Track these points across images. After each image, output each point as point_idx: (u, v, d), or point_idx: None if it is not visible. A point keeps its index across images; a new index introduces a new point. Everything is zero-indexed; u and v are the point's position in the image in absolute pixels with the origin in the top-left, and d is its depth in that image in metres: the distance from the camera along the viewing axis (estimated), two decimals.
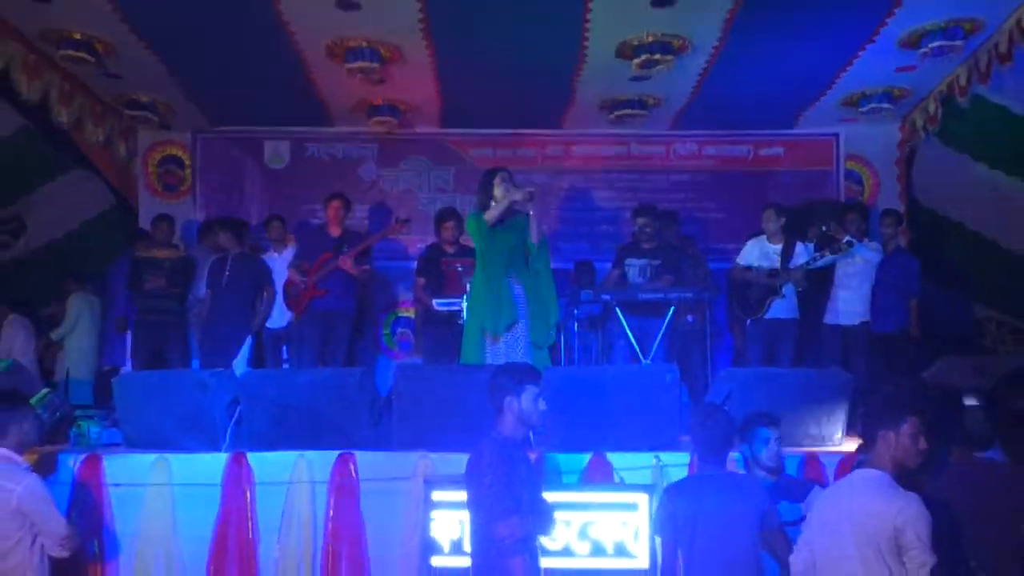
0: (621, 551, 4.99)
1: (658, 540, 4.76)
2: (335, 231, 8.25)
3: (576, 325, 7.98)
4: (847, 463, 4.89)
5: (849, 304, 8.16)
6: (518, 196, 6.62)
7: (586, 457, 5.27)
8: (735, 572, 4.36)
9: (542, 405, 4.32)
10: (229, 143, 10.16)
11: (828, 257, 7.96)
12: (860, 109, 9.14)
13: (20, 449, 4.72)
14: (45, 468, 5.09)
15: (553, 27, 7.39)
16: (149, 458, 5.35)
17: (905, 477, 3.91)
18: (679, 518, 4.47)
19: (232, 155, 10.18)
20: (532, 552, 4.23)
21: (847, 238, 7.91)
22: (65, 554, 4.67)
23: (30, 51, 7.58)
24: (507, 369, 4.51)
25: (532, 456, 4.77)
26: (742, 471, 4.80)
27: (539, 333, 6.66)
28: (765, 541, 4.33)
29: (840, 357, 7.97)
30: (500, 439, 4.26)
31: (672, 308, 7.49)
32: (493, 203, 6.66)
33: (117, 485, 5.28)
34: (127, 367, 8.68)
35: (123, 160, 9.79)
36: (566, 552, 4.99)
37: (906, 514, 3.68)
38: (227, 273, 8.28)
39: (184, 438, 5.55)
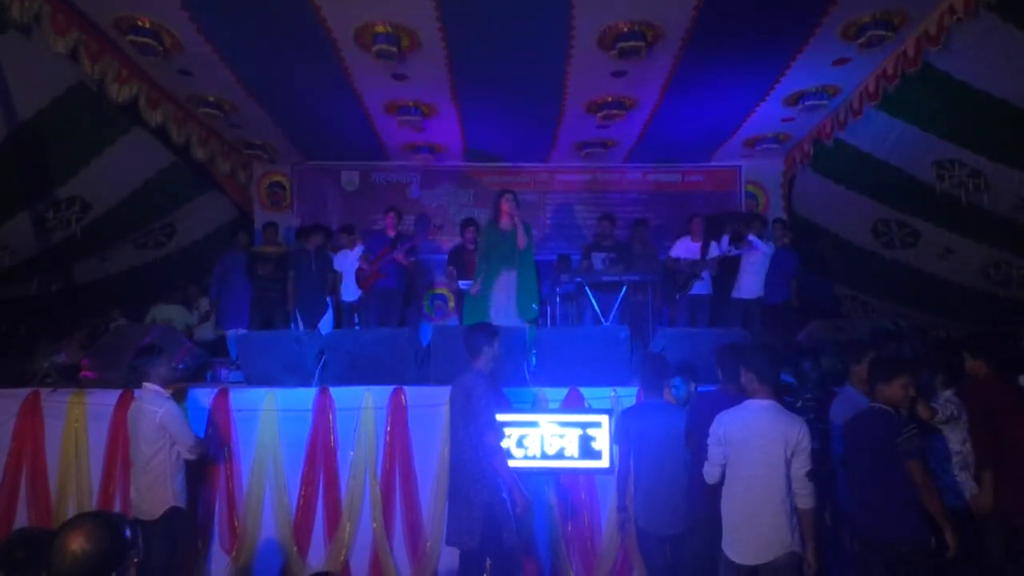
0: (590, 454, 5.06)
1: (615, 448, 4.78)
2: (391, 233, 8.24)
3: (558, 299, 7.96)
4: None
5: (749, 284, 8.17)
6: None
7: (565, 391, 5.29)
8: (666, 469, 4.39)
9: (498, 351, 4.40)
10: (317, 171, 10.10)
11: (736, 251, 7.99)
12: (756, 148, 9.12)
13: (162, 384, 4.75)
14: (180, 397, 5.09)
15: (542, 92, 7.36)
16: (262, 392, 5.37)
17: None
18: (630, 432, 4.50)
19: (319, 180, 10.12)
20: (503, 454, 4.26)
21: (750, 237, 7.95)
22: (193, 457, 4.69)
23: (178, 108, 7.57)
24: (483, 327, 4.54)
25: None
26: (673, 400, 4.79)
27: (524, 309, 6.67)
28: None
29: (741, 322, 7.98)
30: (481, 373, 4.28)
31: (624, 287, 7.50)
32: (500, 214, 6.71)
33: (240, 410, 5.31)
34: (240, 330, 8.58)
35: (243, 184, 9.75)
36: (557, 455, 5.06)
37: (803, 430, 3.69)
38: (312, 263, 8.30)
39: (286, 377, 5.56)
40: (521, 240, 6.68)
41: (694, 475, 4.17)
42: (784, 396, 4.40)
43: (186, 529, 4.74)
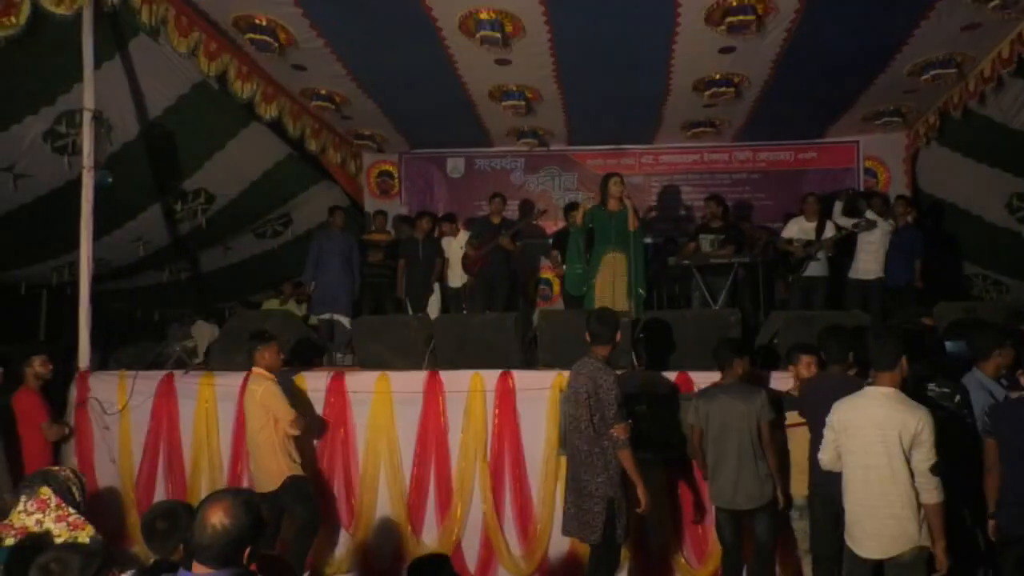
0: None
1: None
2: (496, 220, 8.30)
3: (667, 281, 7.82)
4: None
5: (868, 264, 7.75)
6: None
7: (675, 374, 5.19)
8: (732, 449, 4.33)
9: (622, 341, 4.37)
10: (423, 160, 10.27)
11: (853, 231, 7.64)
12: (875, 122, 8.64)
13: (267, 368, 4.96)
14: (283, 379, 5.21)
15: (647, 70, 7.21)
16: (375, 374, 5.50)
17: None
18: (700, 412, 4.44)
19: (426, 168, 10.30)
20: (631, 448, 4.12)
21: (866, 218, 7.56)
22: (296, 432, 4.88)
23: (293, 102, 7.85)
24: (609, 314, 4.42)
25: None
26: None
27: (633, 293, 6.55)
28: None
29: (860, 304, 7.60)
30: (607, 361, 4.21)
31: (734, 269, 7.28)
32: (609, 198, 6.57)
33: (355, 392, 5.45)
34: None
35: (353, 174, 10.00)
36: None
37: (923, 420, 3.49)
38: (420, 250, 8.44)
39: (398, 361, 5.68)
40: (633, 222, 6.55)
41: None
42: (926, 383, 4.16)
43: (309, 493, 4.96)
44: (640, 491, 4.10)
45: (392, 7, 5.95)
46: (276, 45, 6.41)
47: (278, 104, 7.53)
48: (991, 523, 3.70)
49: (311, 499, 4.94)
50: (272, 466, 4.81)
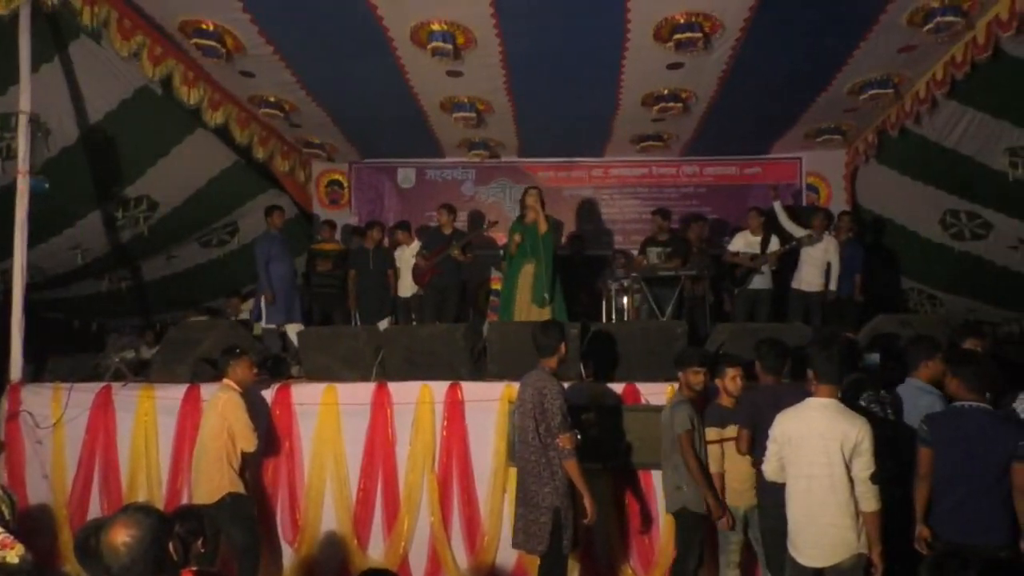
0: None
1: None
2: (447, 230, 8.27)
3: (614, 293, 7.88)
4: None
5: (810, 277, 7.96)
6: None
7: (622, 385, 5.23)
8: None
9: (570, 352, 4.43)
10: (374, 170, 10.20)
11: (797, 246, 7.86)
12: (817, 139, 8.87)
13: (239, 383, 4.87)
14: (251, 394, 5.13)
15: (597, 84, 7.29)
16: (322, 386, 5.43)
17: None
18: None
19: (376, 178, 10.23)
20: (578, 458, 4.13)
21: (808, 233, 7.78)
22: (250, 449, 4.76)
23: (240, 109, 7.72)
24: (556, 325, 4.47)
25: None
26: None
27: (538, 297, 6.74)
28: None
29: (802, 316, 7.79)
30: (554, 373, 4.23)
31: (681, 282, 7.39)
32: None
33: (301, 404, 5.38)
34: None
35: (302, 183, 9.89)
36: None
37: (863, 430, 3.57)
38: (371, 260, 8.37)
39: (345, 372, 5.62)
40: (542, 226, 6.72)
41: None
42: (859, 391, 4.26)
43: (249, 514, 4.81)
44: (586, 501, 4.12)
45: (343, 16, 5.91)
46: (223, 51, 6.31)
47: (225, 111, 7.40)
48: (919, 530, 3.78)
49: (250, 520, 4.79)
50: (215, 477, 4.67)
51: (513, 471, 4.81)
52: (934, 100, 6.85)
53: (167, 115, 7.11)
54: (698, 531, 4.40)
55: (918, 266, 9.27)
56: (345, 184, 10.19)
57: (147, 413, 5.43)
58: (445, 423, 5.21)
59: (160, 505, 5.01)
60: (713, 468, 4.47)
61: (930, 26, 5.78)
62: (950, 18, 5.64)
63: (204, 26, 6.08)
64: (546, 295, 6.72)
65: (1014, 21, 5.34)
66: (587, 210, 10.01)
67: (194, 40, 6.20)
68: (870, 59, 6.61)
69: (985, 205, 7.86)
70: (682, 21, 5.91)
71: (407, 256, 8.45)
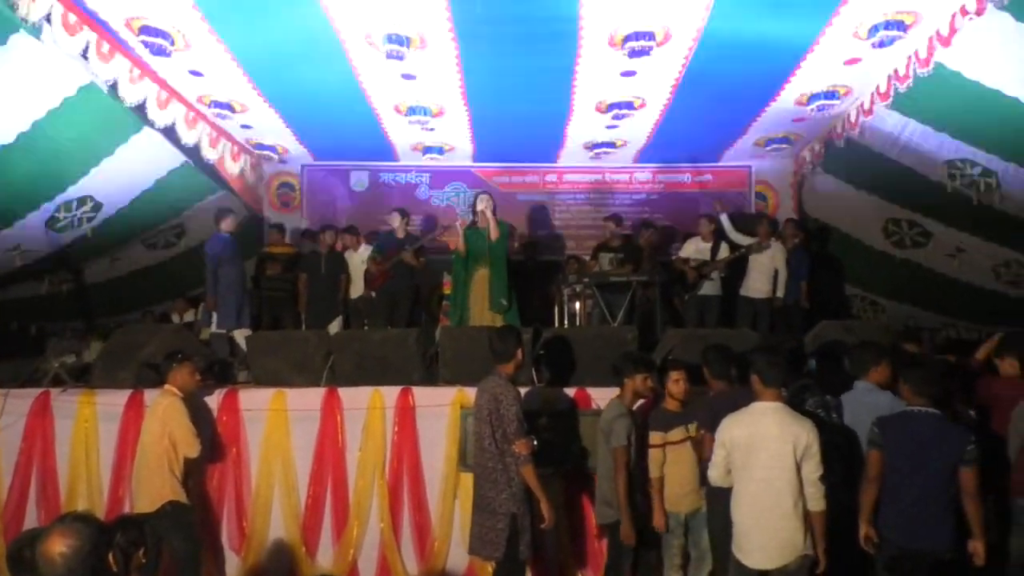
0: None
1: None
2: (400, 234, 8.22)
3: (566, 298, 7.91)
4: None
5: (758, 283, 8.11)
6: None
7: (574, 390, 5.25)
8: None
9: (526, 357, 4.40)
10: (326, 172, 10.11)
11: (745, 253, 7.99)
12: (766, 148, 9.04)
13: (182, 389, 4.76)
14: (195, 400, 5.04)
15: (552, 91, 7.31)
16: (271, 391, 5.36)
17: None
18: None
19: (328, 181, 10.14)
20: (534, 463, 4.13)
21: (756, 240, 7.93)
22: (193, 455, 4.65)
23: (189, 108, 7.56)
24: (512, 331, 4.44)
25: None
26: None
27: (494, 303, 6.77)
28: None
29: (750, 322, 7.92)
30: (509, 379, 4.22)
31: (633, 288, 7.45)
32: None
33: (249, 410, 5.29)
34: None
35: (252, 185, 9.72)
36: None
37: (811, 433, 3.63)
38: (323, 264, 8.27)
39: (295, 377, 5.54)
40: (493, 232, 6.72)
41: None
42: (804, 396, 4.34)
43: (190, 523, 4.69)
44: (544, 506, 4.12)
45: (296, 16, 5.82)
46: (172, 49, 6.16)
47: (173, 110, 7.23)
48: (865, 531, 3.85)
49: (191, 530, 4.67)
50: (156, 484, 4.56)
51: (464, 476, 4.80)
52: (878, 112, 7.05)
53: (112, 114, 6.90)
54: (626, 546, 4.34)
55: (861, 273, 9.51)
56: (297, 187, 10.07)
57: (88, 419, 5.28)
58: (396, 428, 5.18)
59: (101, 515, 4.88)
60: (654, 472, 4.46)
61: (874, 39, 5.94)
62: (892, 32, 5.81)
63: (152, 24, 5.93)
64: (504, 301, 6.73)
65: (953, 36, 5.52)
66: (540, 215, 10.05)
67: (141, 37, 6.05)
68: (817, 71, 6.77)
69: (925, 214, 8.10)
70: (635, 29, 5.97)
71: (356, 261, 8.38)
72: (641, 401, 4.59)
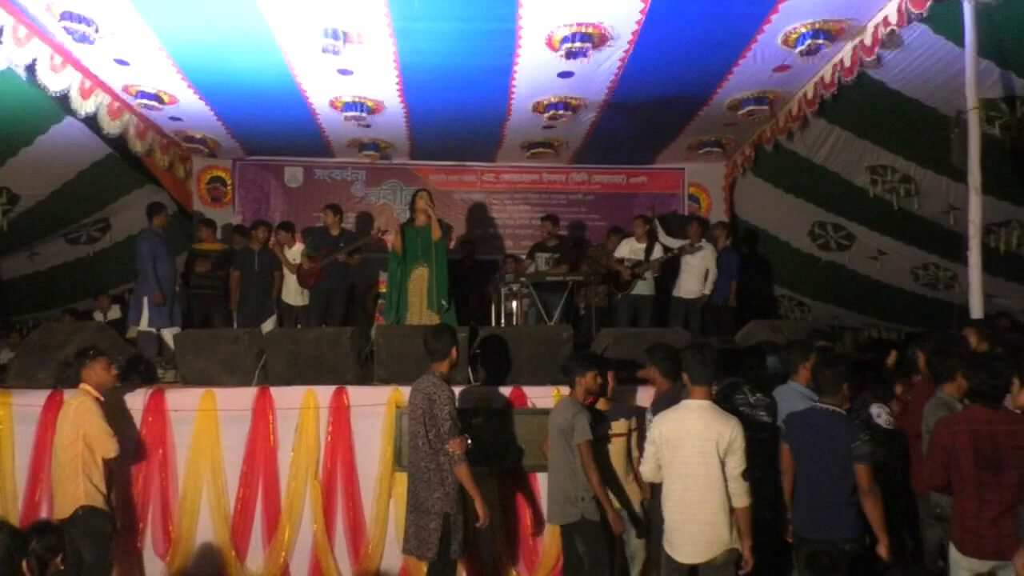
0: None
1: None
2: (334, 232, 8.11)
3: (503, 298, 7.92)
4: None
5: (690, 284, 8.28)
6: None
7: (510, 389, 5.25)
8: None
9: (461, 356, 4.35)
10: (259, 168, 9.89)
11: (678, 254, 8.13)
12: (699, 151, 9.22)
13: (97, 388, 4.59)
14: (112, 398, 4.87)
15: (490, 90, 7.30)
16: (200, 391, 5.21)
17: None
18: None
19: (261, 176, 9.93)
20: (469, 463, 4.12)
21: (688, 242, 8.08)
22: (110, 456, 4.48)
23: (114, 98, 7.27)
24: (447, 329, 4.39)
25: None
26: None
27: (434, 303, 6.77)
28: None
29: (682, 322, 8.07)
30: (444, 378, 4.20)
31: (568, 287, 7.51)
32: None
33: (176, 411, 5.13)
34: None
35: (182, 179, 9.44)
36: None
37: (735, 429, 3.72)
38: (256, 261, 8.09)
39: (225, 377, 5.41)
40: (435, 232, 6.72)
41: None
42: (735, 394, 4.43)
43: (102, 530, 4.44)
44: (479, 505, 4.12)
45: (228, 5, 5.66)
46: (96, 36, 5.92)
47: (96, 99, 6.95)
48: (787, 516, 3.98)
49: (101, 538, 4.42)
50: (69, 489, 4.37)
51: (400, 476, 4.75)
52: (805, 118, 7.27)
53: (30, 102, 6.61)
54: (601, 540, 4.30)
55: (788, 274, 9.80)
56: (228, 182, 9.83)
57: (2, 421, 5.04)
58: (330, 428, 5.11)
59: (15, 520, 4.68)
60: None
61: (802, 48, 6.12)
62: (819, 41, 5.99)
63: (75, 8, 5.69)
64: (443, 301, 6.70)
65: (876, 47, 5.73)
66: (478, 214, 10.06)
67: (63, 23, 5.79)
68: (748, 77, 6.93)
69: (849, 218, 8.40)
70: (572, 31, 6.01)
71: (290, 258, 8.23)
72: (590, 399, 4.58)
